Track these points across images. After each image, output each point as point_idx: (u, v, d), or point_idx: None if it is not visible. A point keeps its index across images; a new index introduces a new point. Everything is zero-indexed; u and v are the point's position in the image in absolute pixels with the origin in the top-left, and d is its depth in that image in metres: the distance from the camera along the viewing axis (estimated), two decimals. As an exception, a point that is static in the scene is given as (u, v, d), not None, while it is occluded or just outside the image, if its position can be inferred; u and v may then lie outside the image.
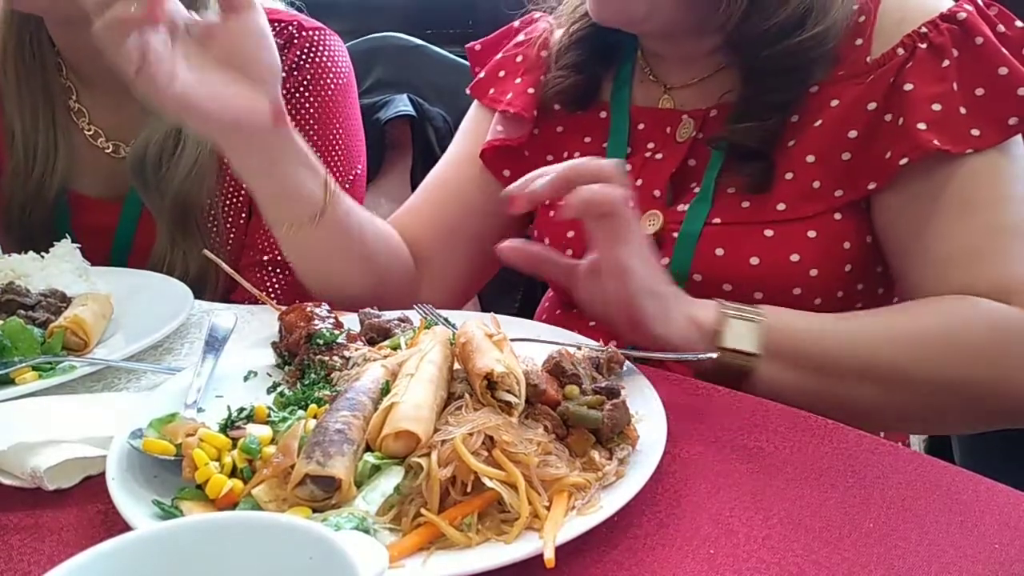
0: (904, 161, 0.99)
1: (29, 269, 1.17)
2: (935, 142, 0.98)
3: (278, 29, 1.36)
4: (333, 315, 0.95)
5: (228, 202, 1.37)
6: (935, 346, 0.94)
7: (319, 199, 1.08)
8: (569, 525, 0.64)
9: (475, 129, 1.33)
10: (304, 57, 1.36)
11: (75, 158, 1.40)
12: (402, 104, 1.73)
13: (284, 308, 0.97)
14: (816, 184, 1.05)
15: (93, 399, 0.90)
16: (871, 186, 1.03)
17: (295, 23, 1.38)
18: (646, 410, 0.78)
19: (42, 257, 1.21)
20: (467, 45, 1.39)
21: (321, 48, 1.37)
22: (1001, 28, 1.03)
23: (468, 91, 1.34)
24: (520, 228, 1.31)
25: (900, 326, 0.96)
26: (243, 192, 1.36)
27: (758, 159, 1.07)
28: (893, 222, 1.04)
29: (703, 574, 0.62)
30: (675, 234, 1.09)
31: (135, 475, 0.72)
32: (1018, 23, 1.04)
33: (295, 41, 1.36)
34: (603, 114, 1.22)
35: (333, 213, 1.09)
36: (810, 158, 1.05)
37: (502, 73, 1.31)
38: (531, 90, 1.25)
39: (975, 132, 0.99)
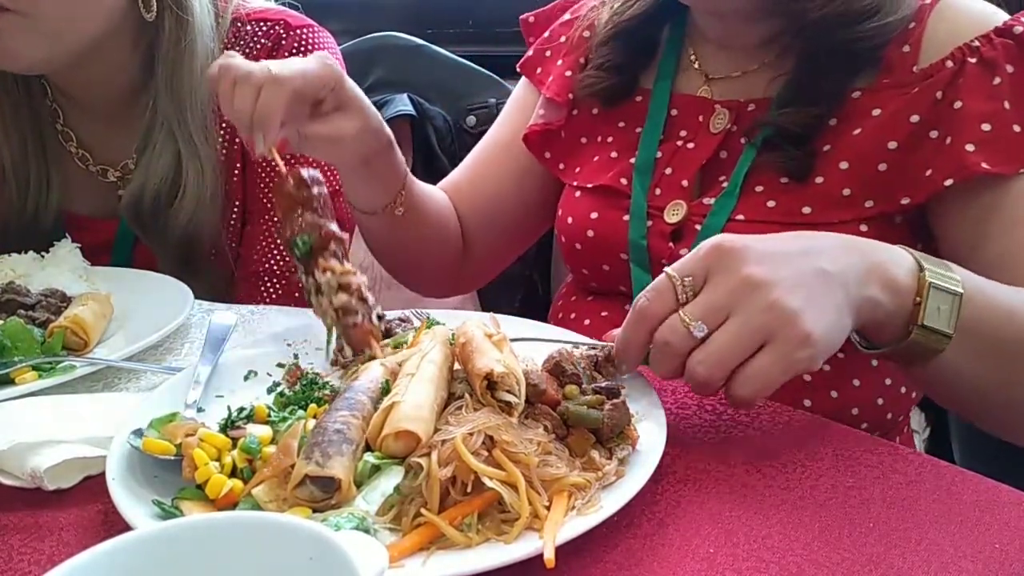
0: (949, 182, 0.96)
1: (29, 269, 1.17)
2: (984, 164, 0.95)
3: (264, 29, 1.36)
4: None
5: (229, 229, 1.36)
6: None
7: (389, 199, 1.15)
8: (569, 525, 0.64)
9: (521, 107, 1.33)
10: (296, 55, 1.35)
11: (67, 180, 1.38)
12: (402, 104, 1.73)
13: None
14: (846, 192, 1.01)
15: (93, 399, 0.90)
16: (904, 200, 1.00)
17: (281, 22, 1.37)
18: (646, 410, 0.78)
19: (42, 257, 1.22)
20: (521, 16, 1.37)
21: (310, 48, 1.36)
22: None
23: (518, 68, 1.34)
24: (550, 212, 1.30)
25: None
26: (238, 215, 1.36)
27: (800, 145, 1.04)
28: (947, 238, 1.01)
29: (703, 574, 0.62)
30: (698, 226, 1.08)
31: (135, 475, 0.72)
32: None
33: (283, 42, 1.35)
34: (639, 99, 1.20)
35: (404, 207, 1.16)
36: (843, 164, 1.02)
37: (548, 53, 1.30)
38: (569, 73, 1.25)
39: None
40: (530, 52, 1.33)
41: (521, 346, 0.84)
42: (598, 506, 0.66)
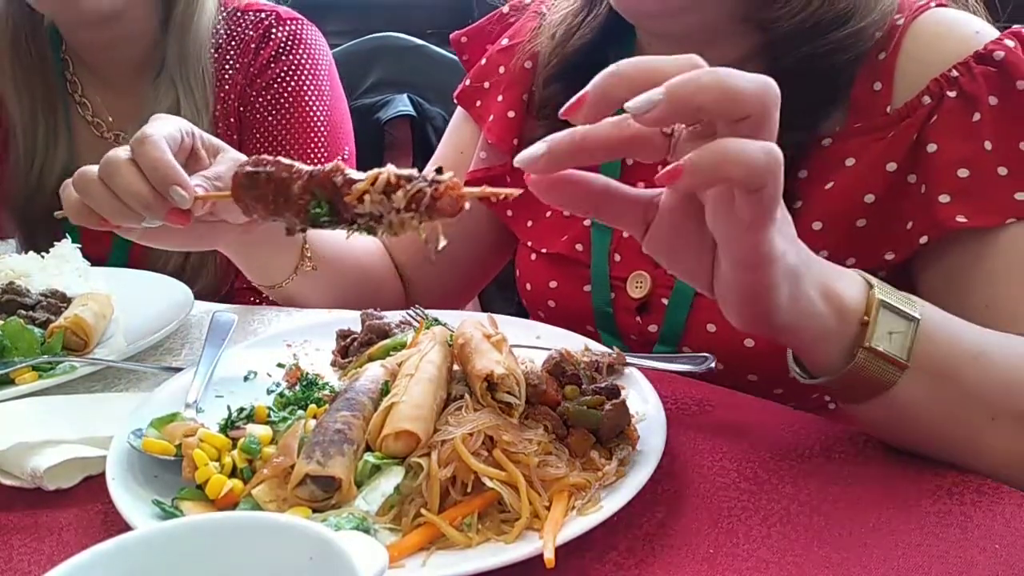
0: (924, 240, 0.87)
1: (29, 269, 1.17)
2: (959, 218, 0.85)
3: (258, 19, 1.46)
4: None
5: None
6: None
7: (294, 261, 1.11)
8: (569, 525, 0.64)
9: (457, 142, 1.25)
10: (283, 47, 1.45)
11: (79, 149, 1.48)
12: (402, 104, 1.73)
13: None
14: (824, 254, 0.90)
15: (93, 399, 0.90)
16: (889, 256, 0.91)
17: (274, 14, 1.47)
18: (646, 410, 0.78)
19: (42, 257, 1.22)
20: (452, 36, 1.26)
21: (299, 40, 1.44)
22: None
23: (455, 99, 1.25)
24: (506, 251, 1.24)
25: None
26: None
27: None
28: (927, 293, 0.90)
29: (703, 574, 0.62)
30: (664, 300, 0.98)
31: (135, 475, 0.72)
32: None
33: (273, 32, 1.44)
34: None
35: (312, 262, 1.12)
36: (816, 225, 0.92)
37: (487, 84, 1.20)
38: (511, 113, 1.14)
39: (1019, 196, 0.84)
40: (467, 82, 1.22)
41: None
42: (598, 506, 0.66)
